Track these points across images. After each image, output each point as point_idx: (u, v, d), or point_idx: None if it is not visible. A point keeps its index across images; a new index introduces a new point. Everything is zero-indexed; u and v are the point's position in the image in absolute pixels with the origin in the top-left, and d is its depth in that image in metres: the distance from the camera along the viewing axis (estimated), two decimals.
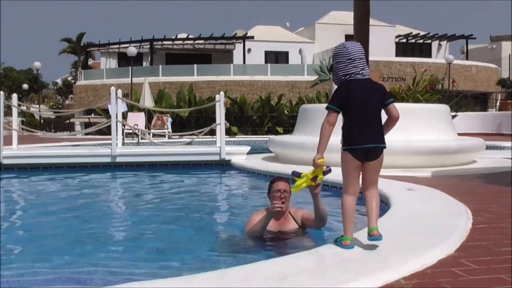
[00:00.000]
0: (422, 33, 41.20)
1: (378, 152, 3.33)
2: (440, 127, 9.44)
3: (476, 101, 33.99)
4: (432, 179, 7.38)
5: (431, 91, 16.04)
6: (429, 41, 41.62)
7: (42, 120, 33.61)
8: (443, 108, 10.16)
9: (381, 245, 3.42)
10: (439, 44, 42.00)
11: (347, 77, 3.34)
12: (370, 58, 12.02)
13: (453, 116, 14.25)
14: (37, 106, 36.40)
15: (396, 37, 40.02)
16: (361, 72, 3.33)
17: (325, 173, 3.67)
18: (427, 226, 3.99)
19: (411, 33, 41.01)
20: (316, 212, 4.21)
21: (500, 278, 2.83)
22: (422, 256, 3.15)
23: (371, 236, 3.24)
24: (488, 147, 11.62)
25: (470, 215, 4.50)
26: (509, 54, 40.15)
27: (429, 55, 41.04)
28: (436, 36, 40.65)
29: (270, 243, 4.24)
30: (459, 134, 10.81)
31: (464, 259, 3.16)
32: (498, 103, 32.90)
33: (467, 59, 41.01)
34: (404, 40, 40.80)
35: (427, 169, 7.93)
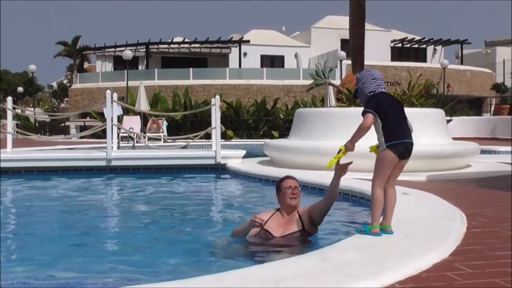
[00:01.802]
0: (417, 37, 41.35)
1: (411, 150, 3.84)
2: (435, 131, 9.46)
3: (471, 105, 34.08)
4: (427, 183, 7.40)
5: (426, 95, 16.07)
6: (424, 45, 41.78)
7: (37, 123, 33.54)
8: (438, 112, 10.19)
9: (376, 248, 3.44)
10: (434, 49, 42.16)
11: (371, 93, 3.87)
12: (366, 63, 12.08)
13: (448, 121, 14.30)
14: (32, 109, 36.33)
15: (392, 41, 40.17)
16: (382, 88, 3.91)
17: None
18: (422, 230, 4.00)
19: (406, 37, 41.15)
20: (332, 190, 4.36)
21: (495, 282, 2.84)
22: (417, 260, 3.17)
23: (387, 231, 3.79)
24: (483, 152, 11.66)
25: (464, 219, 4.51)
26: (504, 59, 40.33)
27: (424, 59, 41.18)
28: (431, 40, 40.80)
29: (266, 247, 4.21)
30: (454, 139, 10.84)
31: (459, 263, 3.18)
32: (492, 108, 33.04)
33: (462, 63, 41.17)
34: (400, 45, 40.95)
35: (422, 173, 7.95)
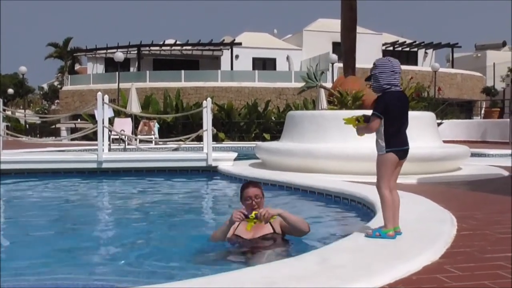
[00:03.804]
0: (408, 41, 41.55)
1: (408, 152, 3.92)
2: (426, 134, 9.50)
3: (461, 109, 34.28)
4: (417, 185, 7.43)
5: (417, 98, 16.15)
6: (415, 49, 41.98)
7: (27, 125, 33.34)
8: (429, 115, 10.24)
9: (367, 251, 3.45)
10: (425, 52, 42.37)
11: (388, 87, 3.80)
12: (357, 66, 12.10)
13: (439, 124, 14.37)
14: (23, 111, 36.12)
15: (383, 45, 40.31)
16: (398, 84, 3.86)
17: (366, 119, 3.93)
18: (413, 232, 4.02)
19: (398, 41, 41.34)
20: (291, 227, 4.26)
21: (484, 284, 2.86)
22: (407, 262, 3.18)
23: (396, 232, 3.80)
24: (473, 155, 11.72)
25: (455, 221, 4.54)
26: (494, 63, 40.61)
27: (415, 63, 41.36)
28: (422, 44, 41.01)
29: (247, 250, 4.21)
30: (445, 142, 10.89)
31: (449, 266, 3.19)
32: (482, 111, 33.23)
33: (452, 67, 41.38)
34: (391, 48, 41.10)
35: (413, 176, 7.98)
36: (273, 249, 4.10)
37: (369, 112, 3.94)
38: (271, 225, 4.31)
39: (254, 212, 4.11)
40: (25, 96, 43.25)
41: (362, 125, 3.91)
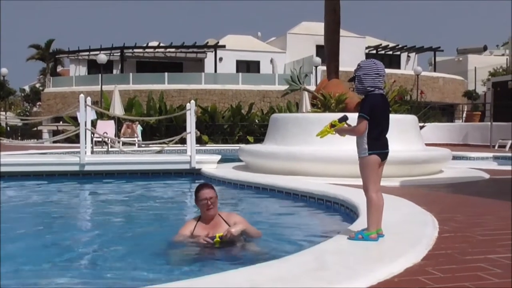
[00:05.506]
0: (391, 44, 41.87)
1: (388, 155, 3.97)
2: (408, 137, 9.58)
3: (443, 112, 34.59)
4: (400, 188, 7.49)
5: (400, 101, 16.31)
6: (398, 52, 42.31)
7: (8, 128, 32.94)
8: (411, 118, 10.33)
9: (349, 253, 3.47)
10: (408, 56, 42.72)
11: (372, 89, 3.81)
12: (341, 69, 12.16)
13: (421, 127, 14.49)
14: (3, 113, 35.69)
15: (366, 48, 40.57)
16: (382, 87, 3.88)
17: (341, 120, 3.92)
18: (395, 235, 4.04)
19: (381, 44, 41.64)
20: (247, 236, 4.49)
21: (465, 286, 2.88)
22: (389, 264, 3.20)
23: (379, 235, 3.81)
24: (455, 158, 11.85)
25: (436, 224, 4.58)
26: (475, 67, 41.10)
27: (398, 66, 41.68)
28: (405, 48, 41.36)
29: (210, 251, 4.28)
30: (427, 145, 10.99)
31: (430, 268, 3.22)
32: (464, 115, 33.59)
33: (434, 71, 41.80)
34: (374, 51, 41.38)
35: (395, 178, 8.04)
36: (238, 249, 4.26)
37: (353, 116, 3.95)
38: (228, 224, 4.48)
39: (218, 235, 4.31)
40: (6, 98, 42.71)
41: (342, 126, 3.90)
